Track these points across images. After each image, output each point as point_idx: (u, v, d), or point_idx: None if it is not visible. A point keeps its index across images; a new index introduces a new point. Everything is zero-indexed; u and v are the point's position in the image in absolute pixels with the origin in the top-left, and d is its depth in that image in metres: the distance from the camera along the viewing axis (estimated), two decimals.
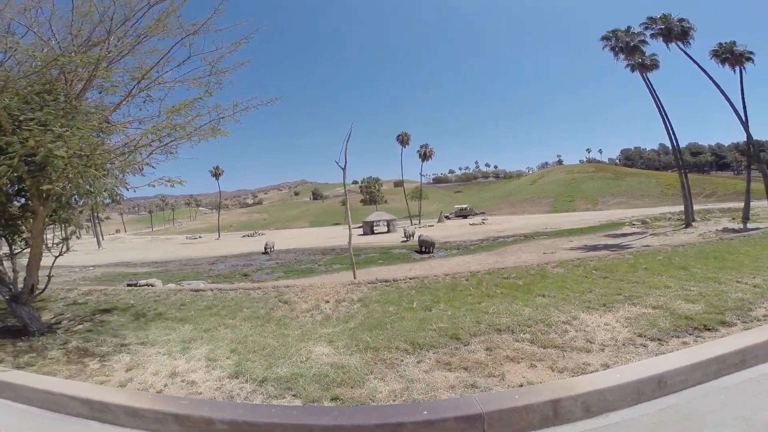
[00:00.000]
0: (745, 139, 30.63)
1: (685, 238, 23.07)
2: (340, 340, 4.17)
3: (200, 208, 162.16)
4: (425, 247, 28.34)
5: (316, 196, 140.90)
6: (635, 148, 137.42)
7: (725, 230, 27.46)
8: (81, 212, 5.57)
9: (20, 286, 5.38)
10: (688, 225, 30.08)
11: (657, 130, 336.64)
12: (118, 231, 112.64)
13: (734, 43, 30.68)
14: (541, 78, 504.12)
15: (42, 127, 3.95)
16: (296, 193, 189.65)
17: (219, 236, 72.66)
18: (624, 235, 29.27)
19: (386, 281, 5.68)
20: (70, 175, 4.09)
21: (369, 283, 5.65)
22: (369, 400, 2.97)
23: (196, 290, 6.73)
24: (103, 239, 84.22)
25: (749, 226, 28.21)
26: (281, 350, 4.00)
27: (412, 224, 65.07)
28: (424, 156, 62.77)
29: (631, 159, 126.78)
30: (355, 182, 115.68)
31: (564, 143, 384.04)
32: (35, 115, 3.99)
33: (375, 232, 55.09)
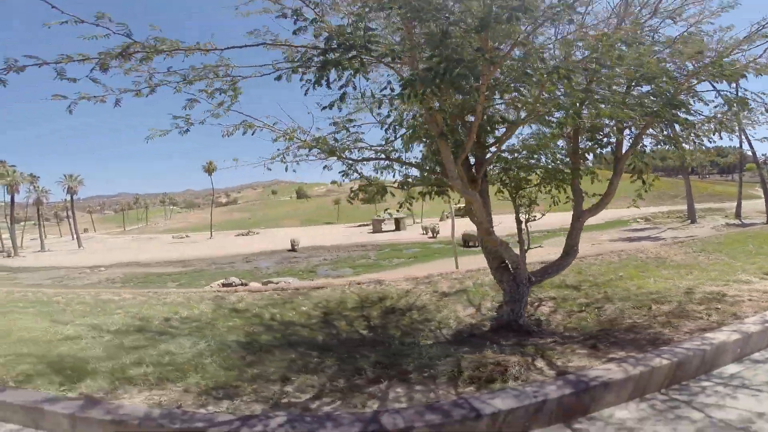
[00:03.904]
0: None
1: (708, 231, 26.33)
2: None
3: (173, 207, 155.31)
4: (472, 242, 30.03)
5: (301, 195, 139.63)
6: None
7: (728, 225, 31.57)
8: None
9: None
10: (693, 221, 33.96)
11: None
12: (86, 230, 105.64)
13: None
14: None
15: None
16: (274, 192, 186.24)
17: (212, 236, 70.66)
18: (642, 229, 32.59)
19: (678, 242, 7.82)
20: None
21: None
22: None
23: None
24: (72, 239, 78.73)
25: (745, 221, 32.65)
26: None
27: (414, 222, 66.82)
28: None
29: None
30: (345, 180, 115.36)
31: None
32: None
33: (383, 230, 56.29)
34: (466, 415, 2.22)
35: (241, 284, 19.49)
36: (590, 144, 4.51)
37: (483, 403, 2.34)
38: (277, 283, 17.59)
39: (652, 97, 3.76)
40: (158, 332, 4.56)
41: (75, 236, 70.00)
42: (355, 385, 2.85)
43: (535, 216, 4.92)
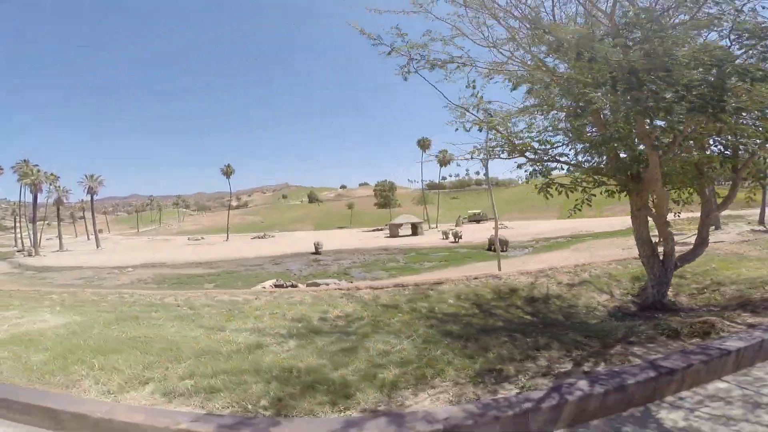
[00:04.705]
0: None
1: (734, 237, 26.58)
2: None
3: (186, 210, 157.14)
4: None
5: (312, 199, 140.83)
6: None
7: (754, 231, 31.91)
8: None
9: None
10: (717, 228, 34.18)
11: None
12: (101, 230, 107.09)
13: None
14: None
15: None
16: (284, 196, 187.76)
17: (228, 238, 71.60)
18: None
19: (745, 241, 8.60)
20: None
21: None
22: None
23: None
24: (88, 239, 79.88)
25: None
26: None
27: (430, 228, 67.38)
28: (443, 162, 65.51)
29: None
30: (353, 185, 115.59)
31: None
32: None
33: (400, 234, 56.74)
34: (720, 353, 2.91)
35: (291, 285, 20.20)
36: (716, 154, 5.19)
37: (722, 345, 3.02)
38: (328, 285, 18.18)
39: None
40: (341, 332, 4.27)
41: (94, 236, 71.03)
42: (595, 352, 3.19)
43: (679, 214, 5.62)
